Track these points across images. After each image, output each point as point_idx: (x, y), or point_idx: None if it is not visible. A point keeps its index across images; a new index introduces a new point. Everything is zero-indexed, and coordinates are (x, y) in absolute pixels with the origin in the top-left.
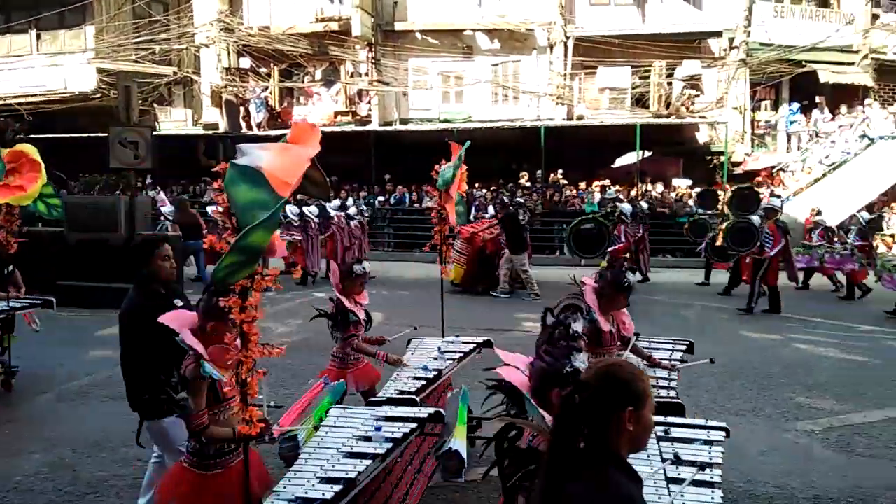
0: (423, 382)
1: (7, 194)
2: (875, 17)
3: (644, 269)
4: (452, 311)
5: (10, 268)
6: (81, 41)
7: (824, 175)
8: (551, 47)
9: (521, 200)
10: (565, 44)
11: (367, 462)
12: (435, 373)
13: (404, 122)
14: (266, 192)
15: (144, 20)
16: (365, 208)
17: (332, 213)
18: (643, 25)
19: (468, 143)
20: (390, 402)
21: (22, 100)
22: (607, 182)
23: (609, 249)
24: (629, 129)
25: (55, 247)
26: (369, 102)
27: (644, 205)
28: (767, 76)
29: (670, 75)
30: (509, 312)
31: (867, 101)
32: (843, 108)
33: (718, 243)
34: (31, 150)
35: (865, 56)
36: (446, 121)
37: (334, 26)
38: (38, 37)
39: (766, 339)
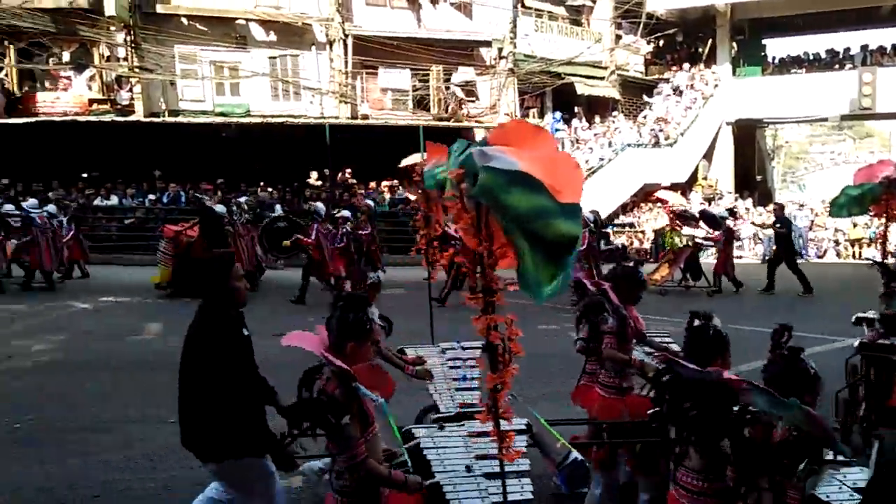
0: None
1: None
2: (618, 37)
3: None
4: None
5: None
6: None
7: (585, 179)
8: (330, 44)
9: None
10: (344, 42)
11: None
12: (476, 381)
13: (174, 113)
14: (547, 199)
15: None
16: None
17: (34, 213)
18: (419, 30)
19: (465, 141)
20: (462, 417)
21: None
22: (396, 182)
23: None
24: (413, 130)
25: None
26: (131, 90)
27: (371, 202)
28: (533, 86)
29: (448, 80)
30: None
31: (614, 112)
32: (597, 119)
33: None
34: None
35: (613, 72)
36: (222, 114)
37: (83, 2)
38: None
39: None
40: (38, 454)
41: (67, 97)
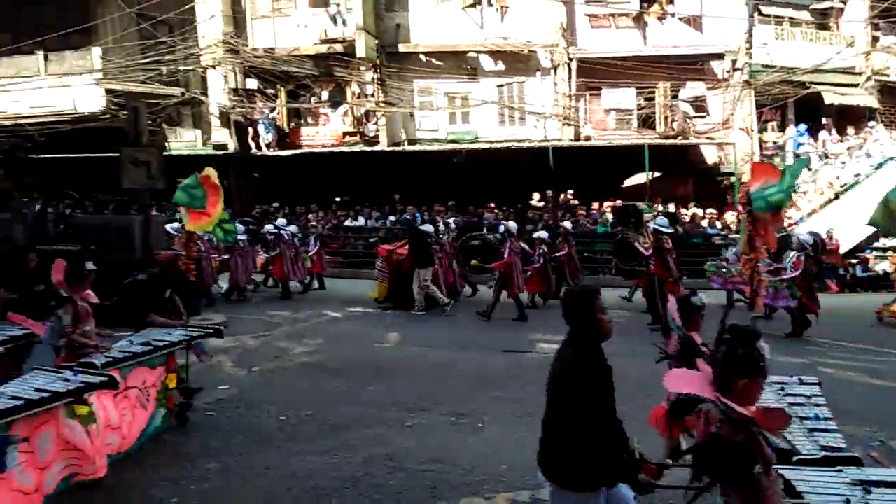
0: None
1: (196, 220)
2: (875, 39)
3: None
4: (467, 331)
5: (169, 293)
6: (88, 62)
7: (837, 196)
8: (555, 68)
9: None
10: (568, 65)
11: None
12: (832, 421)
13: (412, 142)
14: None
15: (150, 41)
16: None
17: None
18: (645, 47)
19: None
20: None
21: (31, 120)
22: (619, 203)
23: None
24: (637, 149)
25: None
26: (377, 123)
27: (568, 224)
28: (772, 98)
29: (675, 96)
30: (523, 333)
31: (871, 122)
32: (851, 130)
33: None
34: (213, 174)
35: (869, 78)
36: (454, 141)
37: (339, 48)
38: (46, 58)
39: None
40: (296, 446)
41: (325, 131)
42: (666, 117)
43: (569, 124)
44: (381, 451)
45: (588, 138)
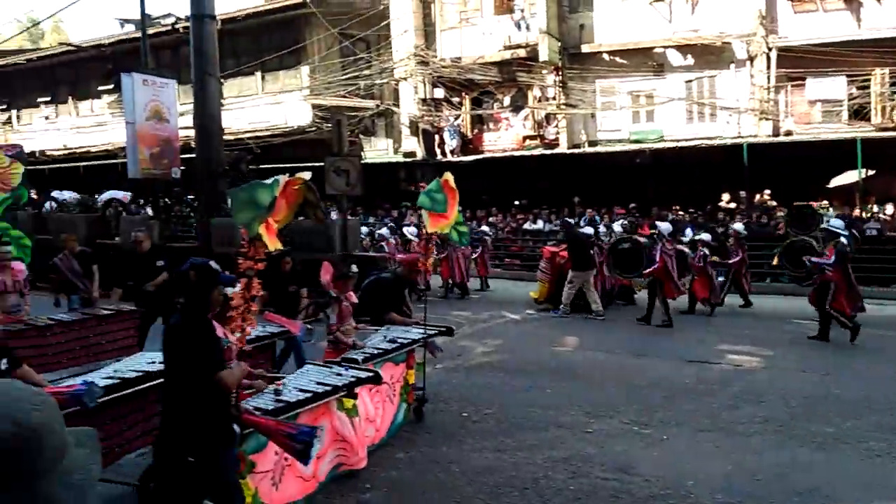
0: None
1: (436, 223)
2: None
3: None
4: (644, 336)
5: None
6: (298, 80)
7: None
8: (751, 60)
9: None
10: (767, 55)
11: None
12: None
13: (592, 143)
14: None
15: (350, 58)
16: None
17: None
18: (859, 31)
19: None
20: None
21: (250, 134)
22: (825, 203)
23: (645, 271)
24: (846, 144)
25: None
26: (557, 126)
27: (740, 227)
28: None
29: (894, 84)
30: (709, 343)
31: None
32: None
33: (775, 262)
34: (451, 179)
35: None
36: (637, 141)
37: (522, 53)
38: (263, 78)
39: None
40: (477, 443)
41: (506, 136)
42: (883, 108)
43: (766, 119)
44: (560, 454)
45: (789, 133)
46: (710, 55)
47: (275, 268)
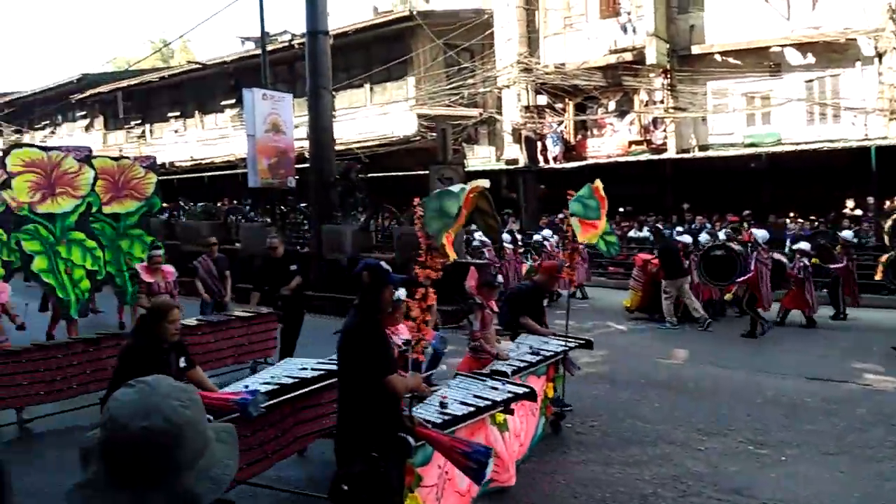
0: None
1: (586, 231)
2: None
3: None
4: (760, 350)
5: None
6: (404, 91)
7: None
8: (879, 56)
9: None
10: None
11: None
12: None
13: (703, 148)
14: None
15: (454, 68)
16: None
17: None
18: None
19: None
20: None
21: (359, 144)
22: None
23: (738, 279)
24: None
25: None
26: (665, 130)
27: (848, 234)
28: None
29: None
30: (833, 360)
31: None
32: None
33: (878, 277)
34: (600, 184)
35: None
36: (752, 145)
37: (628, 56)
38: (371, 90)
39: None
40: (582, 454)
41: (611, 141)
42: None
43: None
44: (669, 471)
45: None
46: (833, 53)
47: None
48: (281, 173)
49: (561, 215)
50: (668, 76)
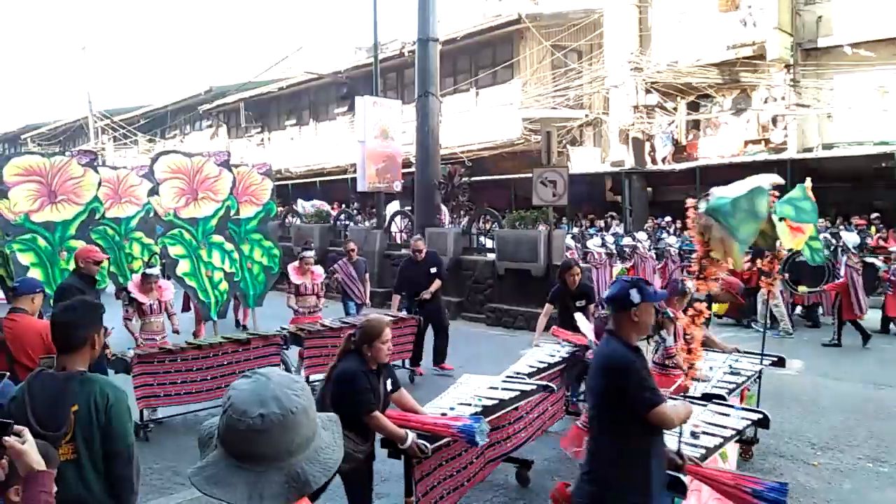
0: None
1: (793, 236)
2: None
3: None
4: (882, 363)
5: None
6: (510, 94)
7: None
8: None
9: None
10: None
11: None
12: None
13: (827, 147)
14: None
15: (561, 70)
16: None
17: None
18: None
19: None
20: None
21: (463, 148)
22: None
23: (826, 286)
24: None
25: (488, 274)
26: (785, 128)
27: None
28: None
29: None
30: None
31: None
32: None
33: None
34: (809, 184)
35: None
36: (882, 143)
37: (747, 52)
38: (477, 94)
39: None
40: None
41: (725, 141)
42: None
43: None
44: None
45: None
46: None
47: (560, 280)
48: (388, 177)
49: (669, 218)
50: (791, 71)
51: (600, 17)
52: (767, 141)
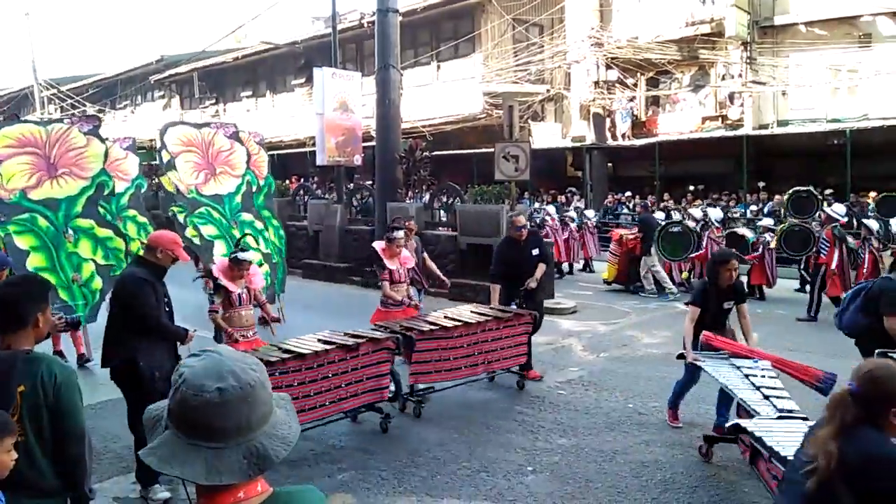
0: None
1: None
2: None
3: None
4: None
5: None
6: (471, 68)
7: None
8: None
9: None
10: None
11: None
12: None
13: (782, 124)
14: None
15: (523, 44)
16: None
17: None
18: None
19: None
20: None
21: (424, 122)
22: None
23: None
24: None
25: (450, 249)
26: (742, 105)
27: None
28: None
29: None
30: None
31: None
32: None
33: (772, 246)
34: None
35: None
36: (835, 121)
37: (705, 29)
38: (438, 67)
39: None
40: (643, 435)
41: (683, 117)
42: None
43: None
44: (736, 454)
45: None
46: None
47: (712, 277)
48: (348, 151)
49: (628, 193)
50: (748, 48)
51: None
52: (724, 117)
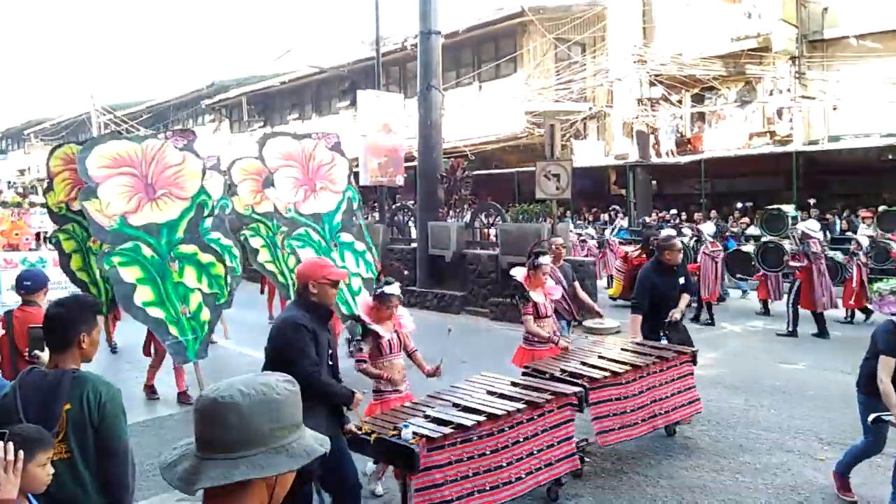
0: None
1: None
2: None
3: None
4: None
5: None
6: (513, 88)
7: None
8: None
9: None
10: None
11: None
12: None
13: (833, 139)
14: None
15: (565, 62)
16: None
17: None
18: None
19: None
20: None
21: (466, 142)
22: None
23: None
24: None
25: (491, 268)
26: (790, 120)
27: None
28: None
29: None
30: None
31: None
32: None
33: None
34: None
35: None
36: (890, 135)
37: (751, 44)
38: (480, 88)
39: None
40: (691, 459)
41: (730, 133)
42: None
43: None
44: (786, 481)
45: None
46: None
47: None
48: (390, 172)
49: (673, 210)
50: (796, 63)
51: (604, 9)
52: (773, 133)
